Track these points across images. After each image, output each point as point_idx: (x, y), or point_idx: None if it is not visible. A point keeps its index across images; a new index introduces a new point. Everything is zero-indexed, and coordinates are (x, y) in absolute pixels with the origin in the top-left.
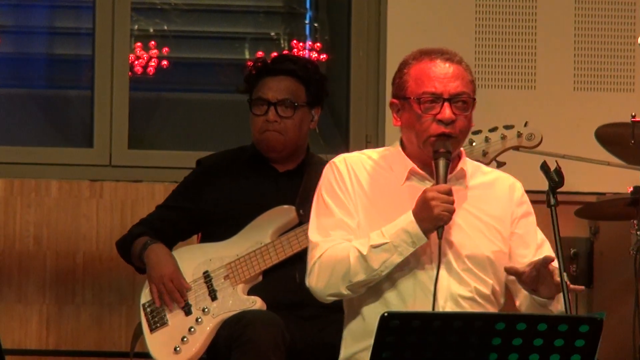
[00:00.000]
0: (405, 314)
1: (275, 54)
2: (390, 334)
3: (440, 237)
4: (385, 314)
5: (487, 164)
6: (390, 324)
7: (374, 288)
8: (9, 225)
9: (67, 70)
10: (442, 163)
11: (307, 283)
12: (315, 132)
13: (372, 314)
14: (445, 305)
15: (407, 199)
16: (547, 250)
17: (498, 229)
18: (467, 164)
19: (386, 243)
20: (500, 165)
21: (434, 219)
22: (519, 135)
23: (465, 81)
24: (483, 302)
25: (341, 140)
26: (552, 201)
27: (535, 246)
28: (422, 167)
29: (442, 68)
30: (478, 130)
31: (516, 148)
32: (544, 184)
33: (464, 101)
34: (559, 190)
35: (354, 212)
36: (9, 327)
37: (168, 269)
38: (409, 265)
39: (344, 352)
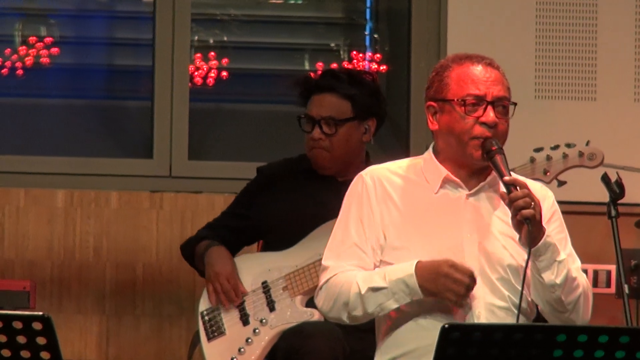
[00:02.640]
0: (466, 326)
1: (335, 65)
2: (451, 346)
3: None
4: (446, 326)
5: (548, 182)
6: (451, 335)
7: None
8: (68, 236)
9: (126, 81)
10: (499, 158)
11: (315, 301)
12: (376, 144)
13: (406, 324)
14: (480, 315)
15: (441, 208)
16: (570, 264)
17: None
18: None
19: (384, 288)
20: (561, 184)
21: (437, 293)
22: (581, 155)
23: (505, 87)
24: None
25: (401, 151)
26: (613, 213)
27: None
28: (457, 173)
29: (485, 72)
30: (540, 147)
31: (577, 167)
32: (604, 196)
33: (504, 106)
34: (619, 201)
35: (373, 231)
36: (68, 338)
37: (225, 268)
38: None
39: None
